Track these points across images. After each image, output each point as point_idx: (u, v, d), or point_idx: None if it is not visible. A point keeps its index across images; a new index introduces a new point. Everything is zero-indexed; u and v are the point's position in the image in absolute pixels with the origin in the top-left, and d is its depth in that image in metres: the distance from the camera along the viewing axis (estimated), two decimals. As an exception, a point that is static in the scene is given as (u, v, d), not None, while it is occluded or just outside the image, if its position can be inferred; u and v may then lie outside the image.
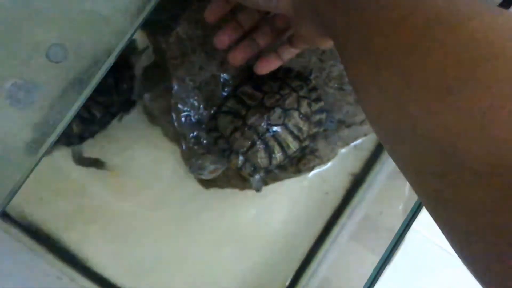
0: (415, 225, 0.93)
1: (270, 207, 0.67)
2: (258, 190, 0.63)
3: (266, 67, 0.55)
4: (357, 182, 0.68)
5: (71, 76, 0.38)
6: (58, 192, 0.65)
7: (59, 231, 0.65)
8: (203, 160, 0.58)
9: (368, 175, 0.68)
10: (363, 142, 0.67)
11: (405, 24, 0.28)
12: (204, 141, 0.63)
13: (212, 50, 0.62)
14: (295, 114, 0.59)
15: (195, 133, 0.63)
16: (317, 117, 0.61)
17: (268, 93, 0.59)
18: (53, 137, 0.37)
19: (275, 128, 0.58)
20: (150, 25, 0.64)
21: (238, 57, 0.55)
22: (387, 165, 0.67)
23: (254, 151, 0.58)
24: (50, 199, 0.65)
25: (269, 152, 0.59)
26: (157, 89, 0.64)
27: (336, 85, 0.63)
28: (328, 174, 0.67)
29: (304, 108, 0.59)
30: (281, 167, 0.64)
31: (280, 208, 0.68)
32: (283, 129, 0.58)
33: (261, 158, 0.59)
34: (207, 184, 0.65)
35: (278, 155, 0.59)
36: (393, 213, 0.58)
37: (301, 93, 0.59)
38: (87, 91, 0.38)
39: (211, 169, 0.59)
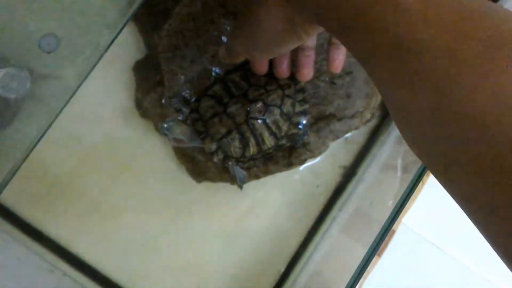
0: (405, 221, 0.94)
1: (261, 200, 0.68)
2: (241, 186, 0.64)
3: (339, 61, 0.56)
4: (348, 175, 0.69)
5: (64, 65, 0.38)
6: (49, 187, 0.65)
7: (50, 225, 0.65)
8: (175, 124, 0.57)
9: (359, 168, 0.69)
10: (354, 135, 0.68)
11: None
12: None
13: (204, 44, 0.62)
14: (276, 111, 0.59)
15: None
16: (298, 118, 0.62)
17: (254, 86, 0.59)
18: (45, 127, 0.37)
19: (253, 121, 0.58)
20: (142, 19, 0.64)
21: (306, 74, 0.56)
22: (378, 159, 0.67)
23: (229, 140, 0.59)
24: (42, 194, 0.65)
25: (244, 144, 0.59)
26: (148, 83, 0.64)
27: (327, 78, 0.64)
28: (319, 167, 0.68)
29: (287, 107, 0.60)
30: (271, 160, 0.64)
31: (271, 202, 0.68)
32: (261, 123, 0.58)
33: (235, 147, 0.59)
34: (199, 177, 0.66)
35: (252, 148, 0.59)
36: (384, 206, 0.58)
37: (287, 92, 0.59)
38: (79, 81, 0.38)
39: (178, 137, 0.58)
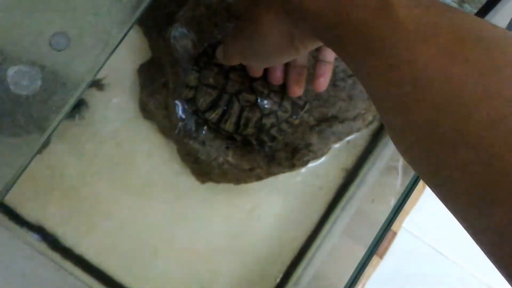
0: (406, 225, 0.94)
1: (263, 202, 0.68)
2: (186, 134, 0.64)
3: (325, 79, 0.57)
4: (350, 177, 0.69)
5: (74, 63, 0.38)
6: (54, 188, 0.66)
7: (55, 225, 0.65)
8: (184, 36, 0.59)
9: (361, 170, 0.69)
10: (356, 138, 0.68)
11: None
12: (203, 132, 0.64)
13: (208, 47, 0.63)
14: (257, 115, 0.60)
15: (191, 127, 0.63)
16: (264, 138, 0.62)
17: (265, 81, 0.60)
18: (55, 123, 0.38)
19: (235, 101, 0.59)
20: (147, 21, 0.65)
21: (297, 90, 0.58)
22: (379, 161, 0.68)
23: (207, 91, 0.60)
24: (46, 194, 0.65)
25: (212, 106, 0.60)
26: (153, 85, 0.65)
27: (329, 81, 0.64)
28: (321, 169, 0.68)
29: (267, 121, 0.61)
30: (274, 161, 0.65)
31: (274, 203, 0.68)
32: (238, 108, 0.60)
33: (205, 101, 0.60)
34: (202, 178, 0.66)
35: (214, 115, 0.60)
36: (385, 207, 0.59)
37: (280, 113, 0.61)
38: (89, 79, 0.39)
39: (177, 46, 0.59)
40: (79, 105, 0.63)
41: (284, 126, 0.62)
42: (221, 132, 0.62)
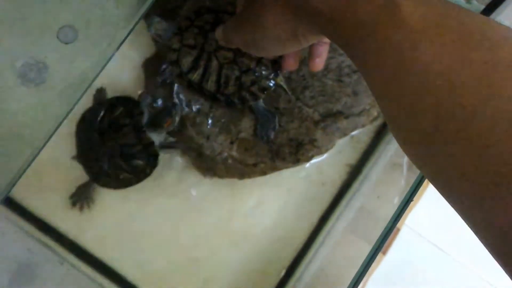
0: (409, 222, 0.94)
1: (267, 197, 0.68)
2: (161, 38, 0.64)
3: (321, 60, 0.56)
4: (353, 173, 0.69)
5: (81, 56, 0.38)
6: (58, 182, 0.65)
7: (59, 219, 0.66)
8: (157, 22, 0.59)
9: (365, 166, 0.69)
10: (360, 134, 0.68)
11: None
12: (209, 122, 0.64)
13: (191, 13, 0.62)
14: (236, 72, 0.60)
15: (195, 122, 0.63)
16: (247, 96, 0.62)
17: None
18: (63, 114, 0.38)
19: (214, 58, 0.60)
20: (152, 16, 0.65)
21: (292, 65, 0.58)
22: (383, 157, 0.68)
23: (187, 51, 0.60)
24: (51, 188, 0.65)
25: (194, 66, 0.61)
26: (158, 80, 0.65)
27: (334, 77, 0.64)
28: (325, 165, 0.68)
29: (247, 78, 0.61)
30: (278, 156, 0.65)
31: (278, 199, 0.68)
32: (217, 66, 0.60)
33: (187, 61, 0.61)
34: (207, 173, 0.66)
35: (196, 76, 0.61)
36: (389, 204, 0.59)
37: (258, 69, 0.60)
38: (96, 71, 0.39)
39: (157, 33, 0.59)
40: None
41: (265, 83, 0.62)
42: (205, 93, 0.63)
